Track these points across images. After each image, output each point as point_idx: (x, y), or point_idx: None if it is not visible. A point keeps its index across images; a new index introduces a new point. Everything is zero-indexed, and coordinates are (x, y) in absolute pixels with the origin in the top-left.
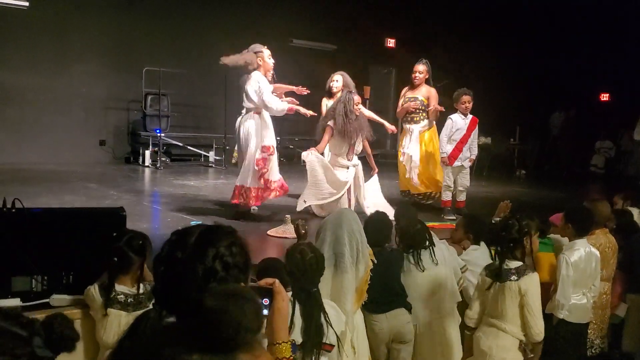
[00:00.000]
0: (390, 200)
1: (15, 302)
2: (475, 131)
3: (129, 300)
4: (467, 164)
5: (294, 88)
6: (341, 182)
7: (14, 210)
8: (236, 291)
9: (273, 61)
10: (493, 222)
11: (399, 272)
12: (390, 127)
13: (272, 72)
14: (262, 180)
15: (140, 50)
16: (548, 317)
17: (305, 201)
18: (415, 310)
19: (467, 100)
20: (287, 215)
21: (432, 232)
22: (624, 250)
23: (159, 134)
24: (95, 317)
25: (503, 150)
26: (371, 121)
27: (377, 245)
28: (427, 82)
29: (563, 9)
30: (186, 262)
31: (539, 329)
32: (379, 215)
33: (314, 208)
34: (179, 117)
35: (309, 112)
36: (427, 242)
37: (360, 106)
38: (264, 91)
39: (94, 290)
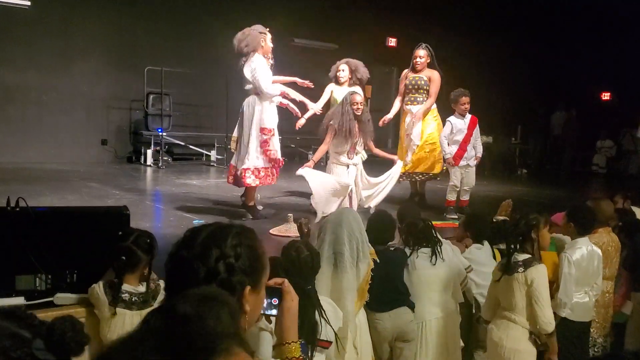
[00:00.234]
0: (392, 199)
1: (19, 300)
2: (477, 130)
3: (133, 299)
4: (473, 162)
5: (297, 80)
6: (342, 184)
7: (17, 209)
8: (210, 295)
9: (272, 45)
10: (494, 220)
11: (402, 271)
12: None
13: (271, 56)
14: (270, 161)
15: (142, 49)
16: None
17: (323, 212)
18: (418, 309)
19: (466, 102)
20: (289, 214)
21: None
22: (627, 249)
23: (160, 133)
24: (100, 315)
25: (504, 149)
26: (372, 121)
27: (380, 243)
28: (430, 65)
29: (565, 8)
30: (190, 262)
31: (547, 319)
32: (382, 214)
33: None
34: (180, 117)
35: (298, 112)
36: (434, 239)
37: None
38: (260, 73)
39: (98, 288)
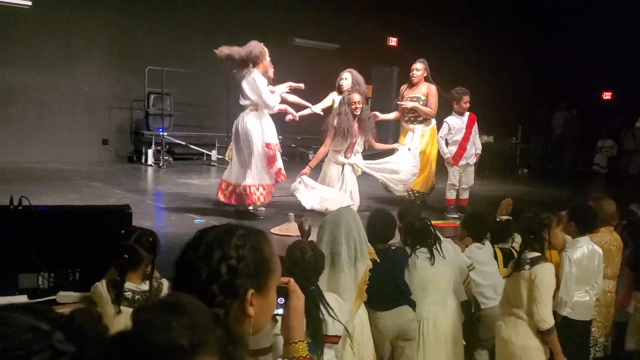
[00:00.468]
0: (393, 199)
1: (21, 299)
2: (476, 127)
3: (136, 297)
4: (473, 160)
5: (291, 84)
6: (336, 191)
7: (20, 208)
8: (173, 302)
9: (271, 65)
10: (498, 220)
11: (403, 269)
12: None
13: (271, 70)
14: (273, 177)
15: (143, 49)
16: None
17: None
18: (419, 308)
19: (468, 100)
20: (290, 214)
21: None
22: (630, 248)
23: (161, 133)
24: (103, 314)
25: (505, 149)
26: (372, 118)
27: (380, 242)
28: (426, 80)
29: (566, 7)
30: (194, 262)
31: (541, 316)
32: (382, 213)
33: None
34: (181, 116)
35: (296, 116)
36: (433, 238)
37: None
38: (260, 87)
39: (101, 286)
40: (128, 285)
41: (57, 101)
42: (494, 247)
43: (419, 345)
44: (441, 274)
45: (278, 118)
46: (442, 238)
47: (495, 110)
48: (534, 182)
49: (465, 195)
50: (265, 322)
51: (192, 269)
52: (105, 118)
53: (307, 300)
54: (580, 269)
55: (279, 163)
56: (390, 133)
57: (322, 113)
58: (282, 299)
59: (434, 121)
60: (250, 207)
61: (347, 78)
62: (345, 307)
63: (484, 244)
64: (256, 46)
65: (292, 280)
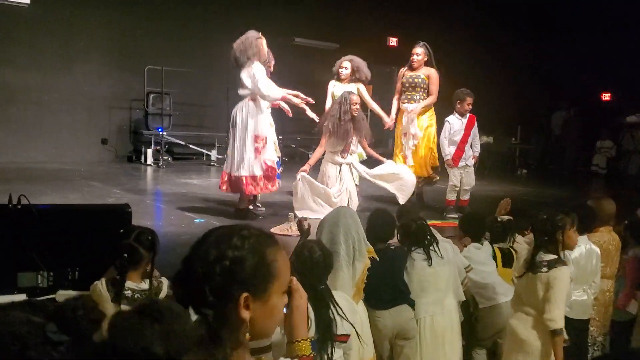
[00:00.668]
0: (392, 199)
1: (20, 298)
2: (475, 129)
3: (136, 296)
4: (471, 162)
5: (300, 95)
6: (327, 195)
7: (19, 207)
8: (149, 309)
9: (267, 49)
10: (499, 219)
11: (402, 269)
12: (388, 123)
13: (271, 57)
14: (264, 168)
15: (143, 49)
16: None
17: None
18: (418, 307)
19: (471, 102)
20: (290, 214)
21: (435, 230)
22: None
23: (161, 133)
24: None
25: (505, 149)
26: (371, 121)
27: (380, 241)
28: (427, 64)
29: (565, 7)
30: (193, 260)
31: (551, 316)
32: (382, 213)
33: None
34: (181, 116)
35: (302, 104)
36: (429, 240)
37: (368, 98)
38: (260, 79)
39: (101, 285)
40: (128, 284)
41: (57, 101)
42: (492, 247)
43: (417, 344)
44: (439, 275)
45: (278, 118)
46: (441, 238)
47: (495, 111)
48: (533, 183)
49: (466, 197)
50: (271, 328)
51: (190, 267)
52: (104, 118)
53: (316, 300)
54: (577, 268)
55: (266, 155)
56: (390, 132)
57: (317, 119)
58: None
59: (432, 107)
60: (251, 207)
61: (347, 67)
62: (354, 305)
63: (482, 244)
64: (253, 38)
65: (294, 278)
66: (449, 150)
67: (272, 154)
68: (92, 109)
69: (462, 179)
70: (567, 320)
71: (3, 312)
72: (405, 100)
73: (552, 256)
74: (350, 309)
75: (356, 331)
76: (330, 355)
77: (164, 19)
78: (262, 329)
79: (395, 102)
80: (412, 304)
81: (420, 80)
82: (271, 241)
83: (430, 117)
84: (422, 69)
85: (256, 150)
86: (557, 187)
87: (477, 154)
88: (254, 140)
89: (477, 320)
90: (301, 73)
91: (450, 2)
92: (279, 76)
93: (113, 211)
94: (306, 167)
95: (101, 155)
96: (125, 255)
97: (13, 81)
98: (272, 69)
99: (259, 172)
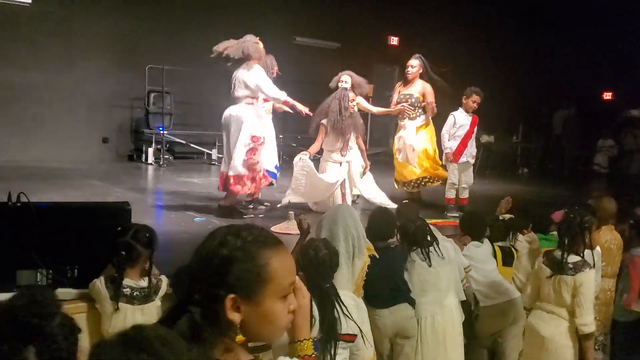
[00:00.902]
0: (393, 198)
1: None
2: (475, 130)
3: (135, 294)
4: (472, 160)
5: (297, 106)
6: (328, 184)
7: (19, 205)
8: (135, 338)
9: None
10: (501, 218)
11: (402, 267)
12: (396, 108)
13: (274, 67)
14: (250, 170)
15: (144, 48)
16: None
17: (289, 201)
18: (418, 306)
19: (477, 100)
20: (290, 212)
21: (435, 229)
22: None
23: (162, 132)
24: (101, 310)
25: (506, 148)
26: (367, 121)
27: (381, 240)
28: (422, 77)
29: (566, 6)
30: (191, 261)
31: (584, 321)
32: (383, 211)
33: (310, 204)
34: (182, 115)
35: (305, 110)
36: (428, 240)
37: (368, 106)
38: (264, 81)
39: (99, 283)
40: (126, 281)
41: (58, 99)
42: (493, 246)
43: (418, 343)
44: (440, 274)
45: (278, 118)
46: (442, 237)
47: (496, 110)
48: (534, 182)
49: (465, 195)
50: (270, 332)
51: (189, 265)
52: (105, 116)
53: (322, 299)
54: None
55: (258, 156)
56: (390, 133)
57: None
58: None
59: (430, 119)
60: (251, 205)
61: (346, 81)
62: (361, 304)
63: (482, 242)
64: (250, 43)
65: (297, 278)
66: (449, 144)
67: (268, 160)
68: (93, 108)
69: (461, 177)
70: None
71: None
72: (401, 119)
73: (577, 257)
74: (357, 308)
75: (361, 330)
76: (332, 355)
77: (165, 17)
78: (258, 333)
79: (383, 109)
80: (412, 303)
81: (413, 100)
82: (269, 244)
83: (428, 131)
84: (416, 82)
85: (251, 150)
86: (558, 186)
87: (474, 154)
88: (251, 139)
89: (477, 319)
90: (301, 72)
91: (451, 1)
92: (279, 75)
93: (112, 209)
94: (307, 152)
95: (102, 154)
96: (123, 252)
97: (14, 80)
98: (275, 75)
99: (244, 172)
